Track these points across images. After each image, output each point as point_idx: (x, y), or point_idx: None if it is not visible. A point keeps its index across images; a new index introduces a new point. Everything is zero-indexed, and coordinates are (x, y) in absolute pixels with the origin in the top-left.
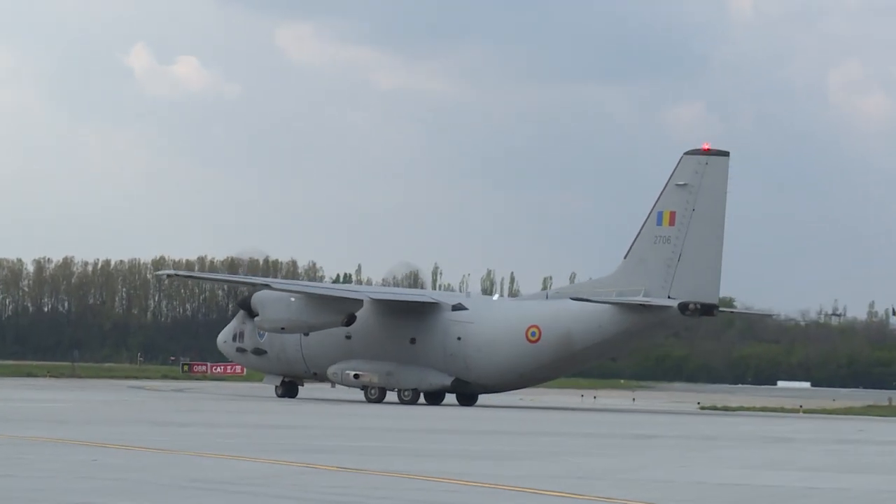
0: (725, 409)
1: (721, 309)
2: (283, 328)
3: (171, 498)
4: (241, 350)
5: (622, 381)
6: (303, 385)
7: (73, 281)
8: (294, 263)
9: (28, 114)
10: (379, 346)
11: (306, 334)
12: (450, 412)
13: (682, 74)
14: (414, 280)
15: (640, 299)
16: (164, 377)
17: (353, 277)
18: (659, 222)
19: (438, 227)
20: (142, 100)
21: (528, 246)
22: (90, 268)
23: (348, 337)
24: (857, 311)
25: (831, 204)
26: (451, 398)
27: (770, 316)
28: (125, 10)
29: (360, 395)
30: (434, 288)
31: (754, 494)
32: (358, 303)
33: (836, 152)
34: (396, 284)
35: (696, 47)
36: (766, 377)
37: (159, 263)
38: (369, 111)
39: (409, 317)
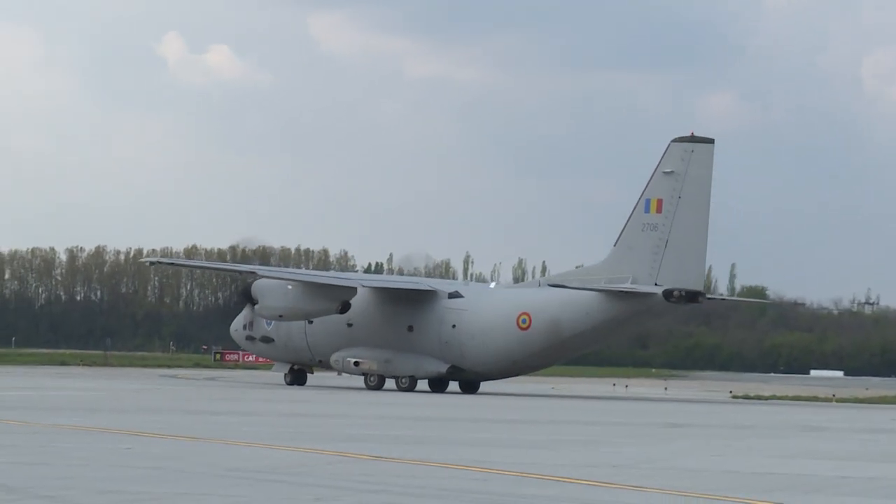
0: (758, 398)
1: (709, 296)
2: (280, 315)
3: (207, 486)
4: (250, 338)
5: (653, 369)
6: (312, 373)
7: (105, 270)
8: (326, 252)
9: (61, 103)
10: (378, 333)
11: (310, 322)
12: (478, 401)
13: (716, 62)
14: (445, 269)
15: (624, 286)
16: (197, 366)
17: (385, 266)
18: (647, 210)
19: (470, 216)
20: (174, 89)
21: (560, 234)
22: (122, 257)
23: (350, 325)
24: (890, 300)
25: (865, 192)
26: (453, 386)
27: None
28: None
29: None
30: (465, 277)
31: (787, 483)
32: (351, 290)
33: (870, 140)
34: (419, 273)
35: (730, 35)
36: (798, 366)
37: (191, 252)
38: (402, 100)
39: (407, 305)
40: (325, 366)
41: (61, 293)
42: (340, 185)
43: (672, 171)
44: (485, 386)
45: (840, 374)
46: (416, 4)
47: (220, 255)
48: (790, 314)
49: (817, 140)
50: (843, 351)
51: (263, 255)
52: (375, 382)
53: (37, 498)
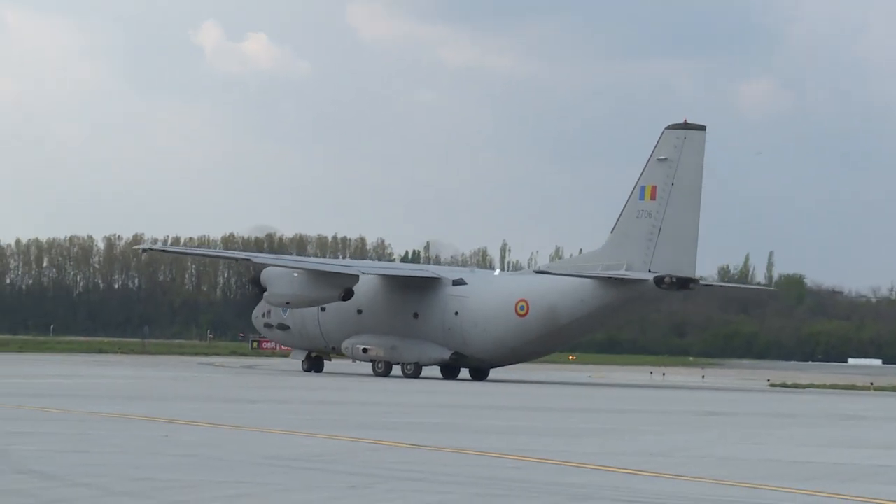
0: (795, 386)
1: (704, 283)
2: (287, 303)
3: (245, 474)
4: (268, 326)
5: (691, 357)
6: (329, 360)
7: (143, 258)
8: (363, 241)
9: (98, 91)
10: (385, 321)
11: (323, 310)
12: (511, 389)
13: (754, 49)
14: (482, 257)
15: (615, 273)
16: (234, 353)
17: (422, 255)
18: (641, 197)
19: (507, 204)
20: (211, 77)
21: (596, 222)
22: (159, 245)
23: (359, 312)
24: None
25: None
26: (462, 374)
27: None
28: None
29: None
30: (502, 266)
31: (825, 472)
32: (353, 278)
33: None
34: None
35: (768, 22)
36: (836, 354)
37: (228, 241)
38: (438, 88)
39: (413, 292)
40: (339, 353)
41: (99, 281)
42: (377, 173)
43: (666, 158)
44: (502, 373)
45: (878, 362)
46: None
47: (258, 243)
48: (828, 302)
49: (856, 127)
50: (881, 339)
51: (301, 244)
52: (382, 369)
53: (73, 486)
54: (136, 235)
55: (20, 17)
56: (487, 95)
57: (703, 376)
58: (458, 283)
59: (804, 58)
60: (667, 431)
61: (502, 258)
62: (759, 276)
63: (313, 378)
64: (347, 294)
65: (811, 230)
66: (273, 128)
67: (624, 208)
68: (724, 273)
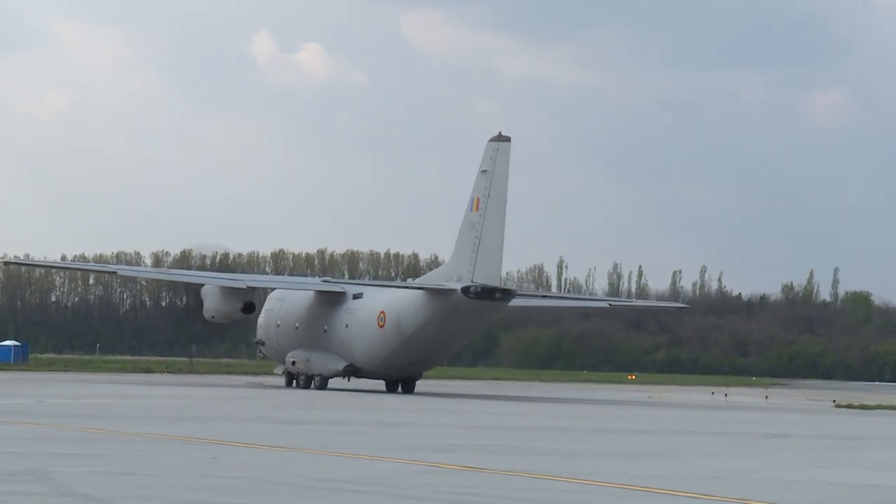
0: (863, 407)
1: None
2: (213, 317)
3: (295, 497)
4: (257, 342)
5: (754, 377)
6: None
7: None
8: (415, 257)
9: (149, 103)
10: (309, 334)
11: (278, 325)
12: (566, 410)
13: (823, 60)
14: (538, 274)
15: (427, 283)
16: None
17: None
18: (471, 208)
19: (565, 219)
20: (264, 88)
21: (657, 239)
22: (208, 261)
23: (297, 327)
24: None
25: None
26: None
27: None
28: None
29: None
30: (559, 283)
31: (893, 497)
32: (249, 291)
33: None
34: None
35: (838, 31)
36: None
37: (278, 257)
38: (496, 100)
39: (326, 306)
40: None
41: (146, 299)
42: (433, 187)
43: (486, 171)
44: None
45: None
46: (512, 2)
47: (308, 260)
48: None
49: None
50: None
51: (352, 260)
52: (303, 382)
53: None
54: (184, 251)
55: (70, 29)
56: (546, 106)
57: (766, 397)
58: (357, 296)
59: (874, 68)
60: (730, 454)
61: (559, 275)
62: (825, 294)
63: (366, 398)
64: (248, 307)
65: (879, 246)
66: (327, 140)
67: (463, 220)
68: (787, 290)
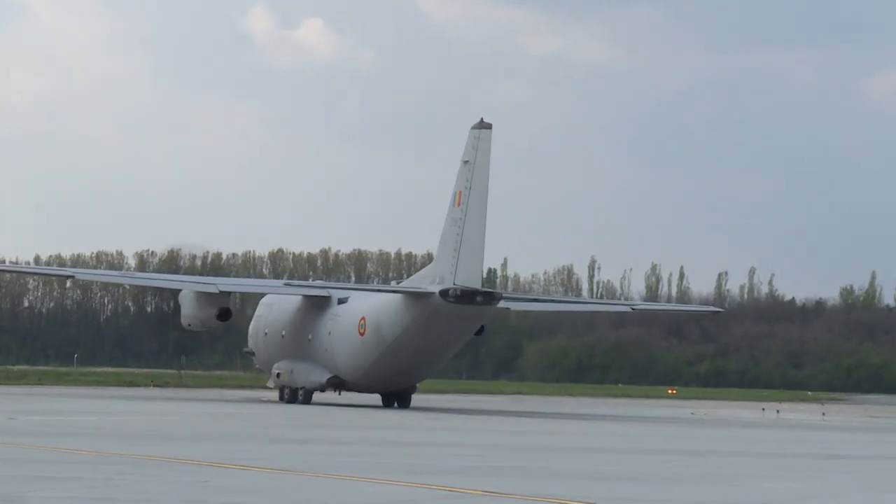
0: None
1: (509, 295)
2: (189, 324)
3: None
4: (248, 352)
5: (809, 392)
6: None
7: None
8: (430, 257)
9: (130, 87)
10: (293, 343)
11: (266, 334)
12: (591, 427)
13: (887, 34)
14: (567, 276)
15: (406, 287)
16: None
17: (499, 272)
18: (453, 203)
19: (597, 215)
20: (261, 69)
21: (700, 237)
22: (199, 262)
23: (283, 336)
24: None
25: None
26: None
27: None
28: None
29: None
30: (590, 286)
31: None
32: (224, 296)
33: None
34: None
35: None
36: None
37: (277, 257)
38: (520, 82)
39: (310, 312)
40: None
41: (130, 304)
42: (448, 179)
43: (468, 161)
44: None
45: None
46: None
47: (310, 260)
48: None
49: None
50: None
51: (359, 260)
52: (288, 396)
53: None
54: (171, 251)
55: (44, 2)
56: (573, 89)
57: (823, 413)
58: (342, 301)
59: None
60: (781, 477)
61: (590, 277)
62: (888, 298)
63: (372, 414)
64: (223, 314)
65: None
66: (331, 127)
67: (446, 216)
68: (846, 294)
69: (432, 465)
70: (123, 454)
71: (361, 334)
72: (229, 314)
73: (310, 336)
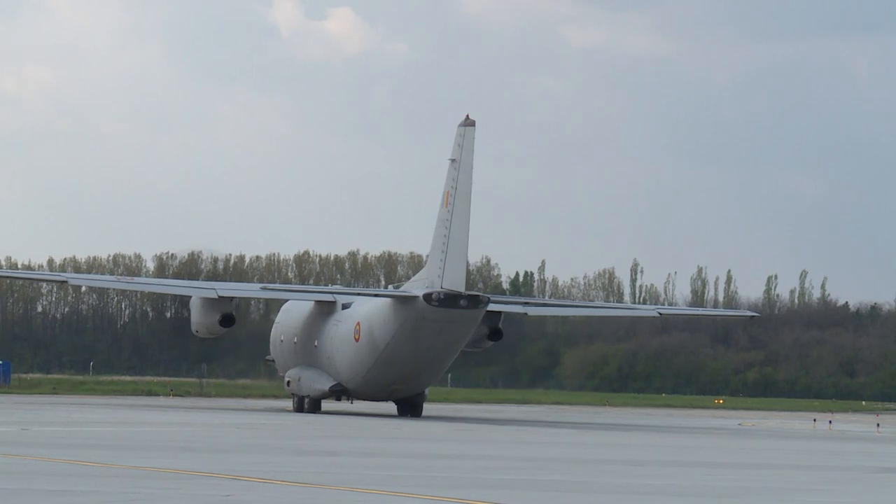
0: None
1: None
2: (197, 331)
3: None
4: (269, 360)
5: (863, 402)
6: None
7: (200, 280)
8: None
9: (151, 80)
10: (303, 350)
11: (281, 341)
12: (629, 439)
13: None
14: (609, 280)
15: (394, 291)
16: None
17: (536, 276)
18: (442, 204)
19: (640, 215)
20: (287, 62)
21: (749, 239)
22: (221, 265)
23: (294, 342)
24: None
25: None
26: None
27: None
28: None
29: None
30: (633, 291)
31: None
32: (227, 302)
33: None
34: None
35: None
36: None
37: (302, 260)
38: (560, 74)
39: (317, 318)
40: None
41: (148, 309)
42: (484, 179)
43: (454, 160)
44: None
45: None
46: None
47: (338, 263)
48: None
49: None
50: None
51: (389, 262)
52: (296, 404)
53: None
54: (192, 253)
55: None
56: (618, 83)
57: (878, 425)
58: (346, 306)
59: None
60: (833, 491)
61: (632, 281)
62: None
63: (401, 425)
64: (226, 320)
65: None
66: (361, 122)
67: (437, 217)
68: None
69: (461, 479)
70: (140, 467)
71: (356, 340)
72: (232, 320)
73: (316, 342)
